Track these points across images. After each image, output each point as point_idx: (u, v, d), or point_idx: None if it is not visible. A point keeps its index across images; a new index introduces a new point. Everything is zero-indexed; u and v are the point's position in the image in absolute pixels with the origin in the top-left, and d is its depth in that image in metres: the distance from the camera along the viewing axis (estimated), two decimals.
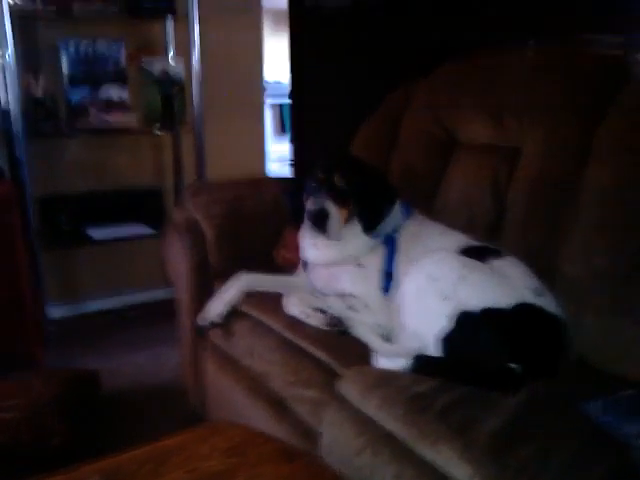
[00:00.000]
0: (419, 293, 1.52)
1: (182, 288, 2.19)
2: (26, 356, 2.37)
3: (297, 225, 1.89)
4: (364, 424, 1.36)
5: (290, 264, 2.10)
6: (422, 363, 1.44)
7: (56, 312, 3.20)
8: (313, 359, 1.65)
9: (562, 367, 1.43)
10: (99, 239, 3.08)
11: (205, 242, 2.15)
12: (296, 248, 1.95)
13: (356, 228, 1.75)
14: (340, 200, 1.71)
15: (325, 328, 1.71)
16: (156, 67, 3.16)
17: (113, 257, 3.36)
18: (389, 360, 1.49)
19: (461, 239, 1.70)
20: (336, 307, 1.74)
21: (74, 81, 3.02)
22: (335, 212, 1.69)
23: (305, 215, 1.73)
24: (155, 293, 3.42)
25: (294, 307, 1.80)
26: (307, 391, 1.59)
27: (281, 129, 5.76)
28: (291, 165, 3.56)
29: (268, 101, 4.86)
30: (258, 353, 1.83)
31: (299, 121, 3.83)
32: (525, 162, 1.83)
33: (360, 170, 1.79)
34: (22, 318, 2.37)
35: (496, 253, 1.59)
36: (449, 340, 1.42)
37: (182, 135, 3.33)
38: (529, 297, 1.44)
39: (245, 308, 1.96)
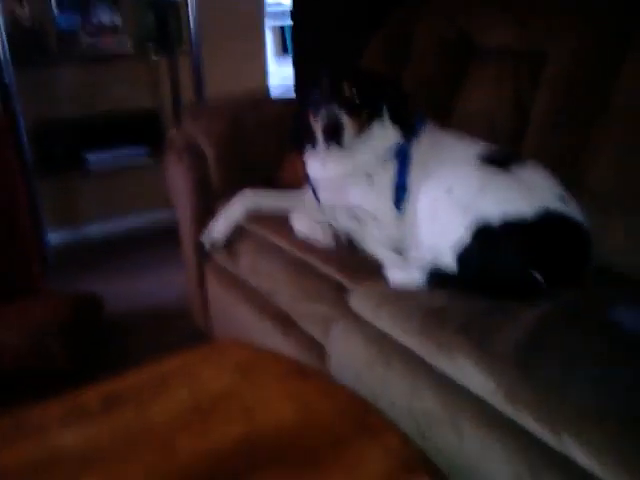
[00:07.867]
0: (436, 205, 1.43)
1: (184, 209, 2.10)
2: (27, 283, 2.32)
3: (299, 145, 1.79)
4: (376, 338, 1.30)
5: (295, 186, 2.00)
6: (438, 276, 1.36)
7: (57, 238, 3.16)
8: (321, 276, 1.57)
9: (586, 276, 1.34)
10: (96, 163, 3.02)
11: (206, 162, 2.04)
12: (301, 169, 1.85)
13: (367, 140, 1.66)
14: (353, 110, 1.61)
15: (330, 242, 1.64)
16: None
17: (112, 181, 3.27)
18: (403, 272, 1.41)
19: (480, 147, 1.58)
20: (343, 219, 1.66)
21: (62, 5, 2.85)
22: (349, 123, 1.59)
23: (315, 129, 1.63)
24: (157, 215, 3.34)
25: (300, 221, 1.73)
26: (315, 307, 1.52)
27: (283, 51, 5.61)
28: (294, 89, 3.39)
29: (269, 23, 4.72)
30: (264, 272, 1.75)
31: (300, 42, 3.54)
32: (552, 67, 1.68)
33: (370, 77, 1.70)
34: (22, 246, 2.31)
35: (517, 159, 1.48)
36: (467, 252, 1.33)
37: (179, 57, 3.19)
38: (552, 204, 1.33)
39: (249, 226, 1.88)
